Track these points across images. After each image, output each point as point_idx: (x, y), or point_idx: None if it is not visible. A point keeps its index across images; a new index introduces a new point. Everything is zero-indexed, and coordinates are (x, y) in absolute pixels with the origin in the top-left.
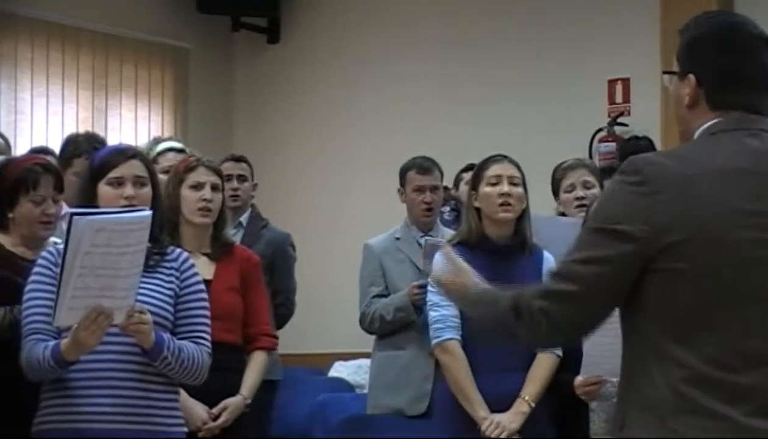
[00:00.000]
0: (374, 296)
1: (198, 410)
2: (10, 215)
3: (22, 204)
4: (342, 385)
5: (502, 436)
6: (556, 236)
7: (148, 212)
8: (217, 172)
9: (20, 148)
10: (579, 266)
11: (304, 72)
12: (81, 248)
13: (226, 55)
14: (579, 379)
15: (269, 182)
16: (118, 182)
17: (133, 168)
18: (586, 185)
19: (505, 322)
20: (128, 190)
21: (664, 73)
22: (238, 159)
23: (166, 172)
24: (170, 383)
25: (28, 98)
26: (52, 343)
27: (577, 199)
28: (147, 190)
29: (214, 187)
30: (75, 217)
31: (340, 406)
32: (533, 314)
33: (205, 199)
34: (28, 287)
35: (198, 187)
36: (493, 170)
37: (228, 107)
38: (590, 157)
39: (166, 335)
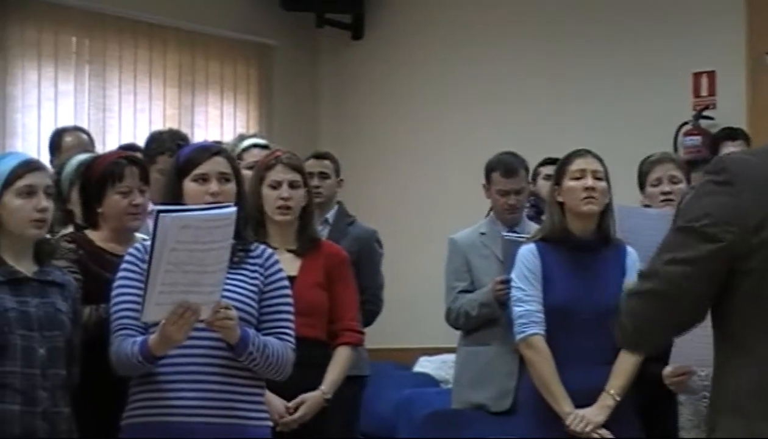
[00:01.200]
0: (459, 292)
1: (276, 403)
2: (99, 210)
3: (110, 197)
4: (427, 380)
5: (587, 430)
6: (640, 227)
7: (233, 209)
8: (297, 169)
9: (108, 145)
10: (665, 267)
11: (388, 68)
12: (167, 244)
13: (310, 51)
14: (668, 369)
15: (354, 178)
16: (203, 179)
17: (217, 165)
18: (673, 180)
19: None
20: (213, 186)
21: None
22: (321, 156)
23: (250, 168)
24: (255, 378)
25: (116, 96)
26: (140, 338)
27: (663, 194)
28: (231, 187)
29: (292, 185)
30: (161, 214)
31: (424, 401)
32: (620, 315)
33: (282, 198)
34: (116, 283)
35: (276, 186)
36: (577, 164)
37: (312, 104)
38: (675, 150)
39: (251, 331)
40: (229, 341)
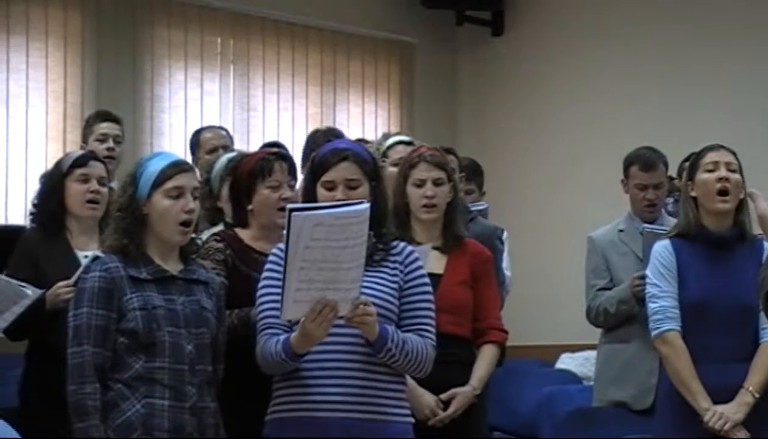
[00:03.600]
0: (599, 290)
1: (427, 399)
2: (249, 207)
3: (259, 192)
4: (569, 377)
5: (726, 428)
6: None
7: (365, 205)
8: (441, 166)
9: (252, 144)
10: None
11: (528, 64)
12: (301, 243)
13: (450, 49)
14: None
15: (493, 174)
16: (331, 186)
17: (343, 171)
18: None
19: None
20: (339, 194)
21: None
22: (447, 152)
23: (396, 165)
24: (397, 373)
25: (260, 95)
26: (283, 337)
27: None
28: (360, 192)
29: (436, 183)
30: (293, 213)
31: (566, 398)
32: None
33: (427, 196)
34: (260, 283)
35: (420, 184)
36: (710, 157)
37: (453, 101)
38: None
39: (390, 328)
40: (368, 337)
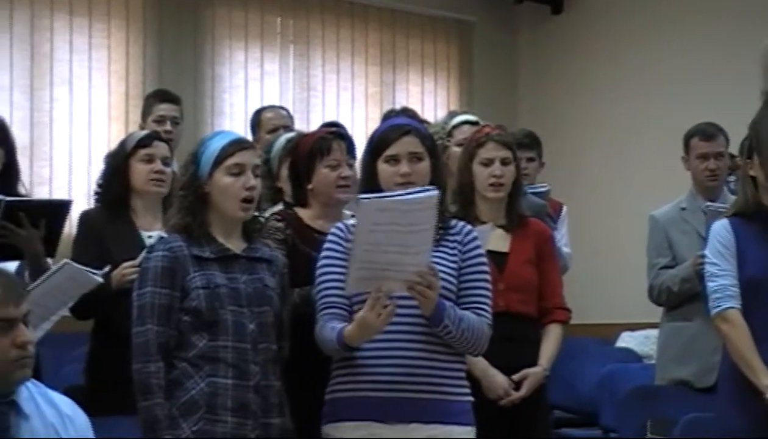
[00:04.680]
0: (661, 268)
1: (499, 379)
2: (309, 187)
3: (319, 171)
4: (629, 355)
5: None
6: None
7: (434, 192)
8: (508, 146)
9: (312, 124)
10: None
11: (587, 42)
12: (366, 226)
13: (509, 27)
14: None
15: (553, 151)
16: (394, 160)
17: (407, 145)
18: None
19: None
20: (403, 167)
21: None
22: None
23: (461, 145)
24: (456, 352)
25: (320, 75)
26: (339, 326)
27: None
28: (423, 166)
29: (504, 162)
30: (361, 200)
31: (627, 376)
32: None
33: (495, 176)
34: (320, 262)
35: (488, 163)
36: None
37: (512, 79)
38: None
39: (448, 304)
40: (425, 312)
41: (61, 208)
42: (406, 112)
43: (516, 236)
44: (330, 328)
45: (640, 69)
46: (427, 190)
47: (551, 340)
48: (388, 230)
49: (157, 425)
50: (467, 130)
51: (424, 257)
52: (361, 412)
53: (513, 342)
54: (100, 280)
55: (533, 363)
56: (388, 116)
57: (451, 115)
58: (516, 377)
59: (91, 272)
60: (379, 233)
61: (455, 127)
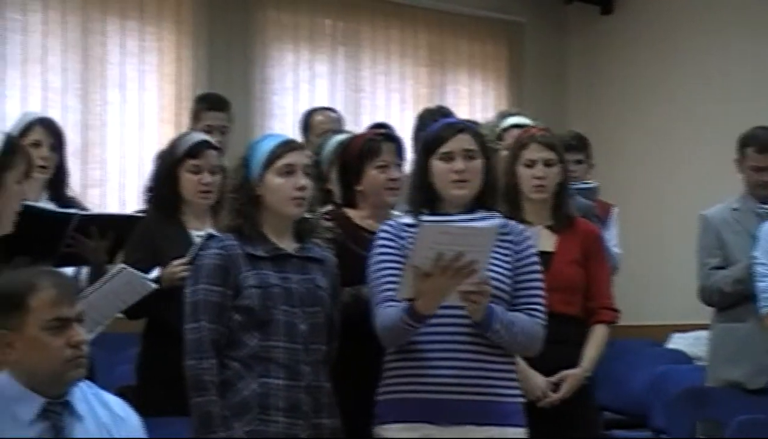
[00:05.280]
0: (712, 268)
1: (538, 380)
2: (359, 188)
3: (368, 173)
4: (680, 356)
5: None
6: None
7: (495, 223)
8: (551, 147)
9: (362, 125)
10: None
11: (638, 43)
12: (425, 243)
13: (559, 28)
14: None
15: (603, 152)
16: (449, 157)
17: (462, 142)
18: None
19: None
20: (458, 164)
21: None
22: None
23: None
24: (508, 353)
25: (369, 77)
26: (404, 303)
27: None
28: (477, 164)
29: (547, 163)
30: (422, 223)
31: (678, 378)
32: None
33: (537, 177)
34: (375, 259)
35: (530, 164)
36: None
37: (561, 80)
38: None
39: (498, 308)
40: (474, 317)
41: (129, 221)
42: (442, 110)
43: (562, 236)
44: (396, 308)
45: (692, 69)
46: (490, 218)
47: (595, 341)
48: (446, 249)
49: (211, 421)
50: (518, 134)
51: (480, 274)
52: (412, 413)
53: (555, 344)
54: (155, 286)
55: (575, 365)
56: (422, 115)
57: (502, 115)
58: (554, 378)
59: (145, 278)
60: (438, 249)
61: (505, 130)
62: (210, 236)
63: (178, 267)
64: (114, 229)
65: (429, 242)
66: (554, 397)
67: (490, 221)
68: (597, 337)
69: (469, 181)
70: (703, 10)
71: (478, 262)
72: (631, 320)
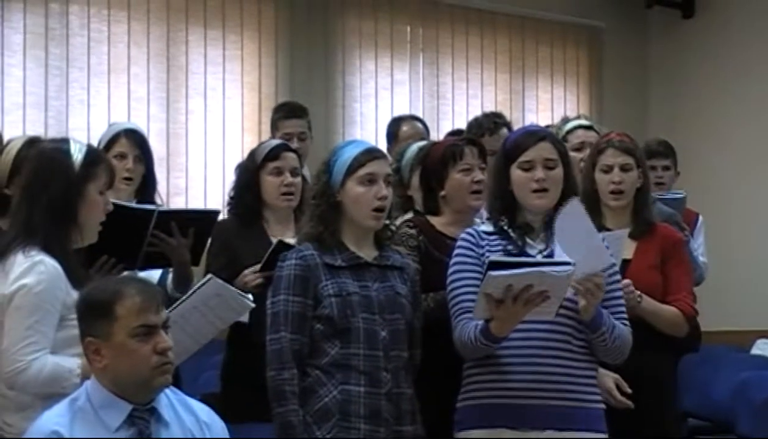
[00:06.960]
0: None
1: (606, 380)
2: (442, 194)
3: (452, 177)
4: (764, 363)
5: None
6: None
7: (570, 268)
8: (629, 152)
9: (443, 132)
10: None
11: (720, 47)
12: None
13: (639, 32)
14: None
15: (686, 158)
16: (529, 166)
17: (542, 151)
18: None
19: None
20: (538, 173)
21: None
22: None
23: (576, 149)
24: (590, 360)
25: (449, 83)
26: (480, 323)
27: None
28: (557, 172)
29: (624, 168)
30: (489, 271)
31: (763, 384)
32: None
33: (614, 182)
34: (453, 268)
35: (607, 170)
36: None
37: (642, 85)
38: None
39: (605, 311)
40: (586, 316)
41: (208, 217)
42: (495, 115)
43: (641, 242)
44: (472, 325)
45: None
46: (566, 263)
47: (665, 307)
48: (521, 285)
49: (292, 431)
50: (582, 134)
51: (553, 306)
52: (493, 419)
53: (632, 350)
54: (252, 304)
55: (652, 372)
56: (472, 123)
57: (565, 120)
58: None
59: (243, 295)
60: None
61: (569, 132)
62: (281, 244)
63: (250, 276)
64: (194, 224)
65: (492, 289)
66: (619, 398)
67: (564, 267)
68: (667, 307)
69: (549, 191)
70: None
71: (550, 291)
72: (715, 325)
